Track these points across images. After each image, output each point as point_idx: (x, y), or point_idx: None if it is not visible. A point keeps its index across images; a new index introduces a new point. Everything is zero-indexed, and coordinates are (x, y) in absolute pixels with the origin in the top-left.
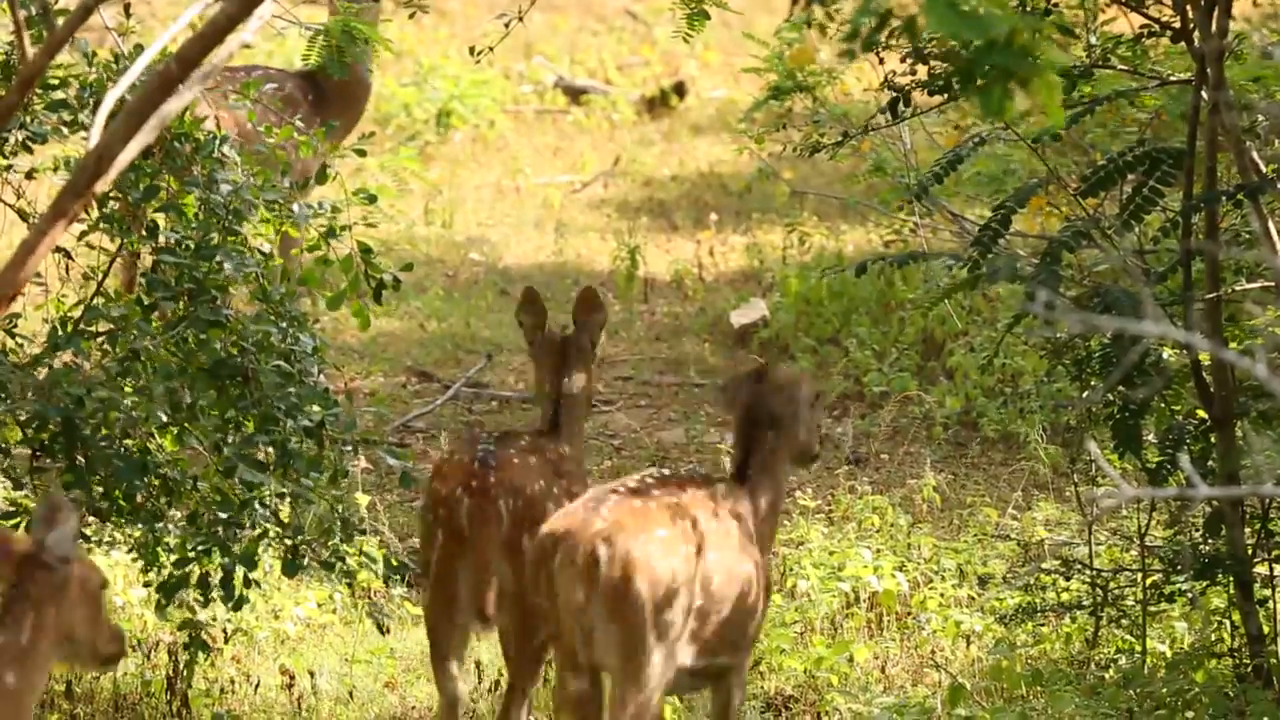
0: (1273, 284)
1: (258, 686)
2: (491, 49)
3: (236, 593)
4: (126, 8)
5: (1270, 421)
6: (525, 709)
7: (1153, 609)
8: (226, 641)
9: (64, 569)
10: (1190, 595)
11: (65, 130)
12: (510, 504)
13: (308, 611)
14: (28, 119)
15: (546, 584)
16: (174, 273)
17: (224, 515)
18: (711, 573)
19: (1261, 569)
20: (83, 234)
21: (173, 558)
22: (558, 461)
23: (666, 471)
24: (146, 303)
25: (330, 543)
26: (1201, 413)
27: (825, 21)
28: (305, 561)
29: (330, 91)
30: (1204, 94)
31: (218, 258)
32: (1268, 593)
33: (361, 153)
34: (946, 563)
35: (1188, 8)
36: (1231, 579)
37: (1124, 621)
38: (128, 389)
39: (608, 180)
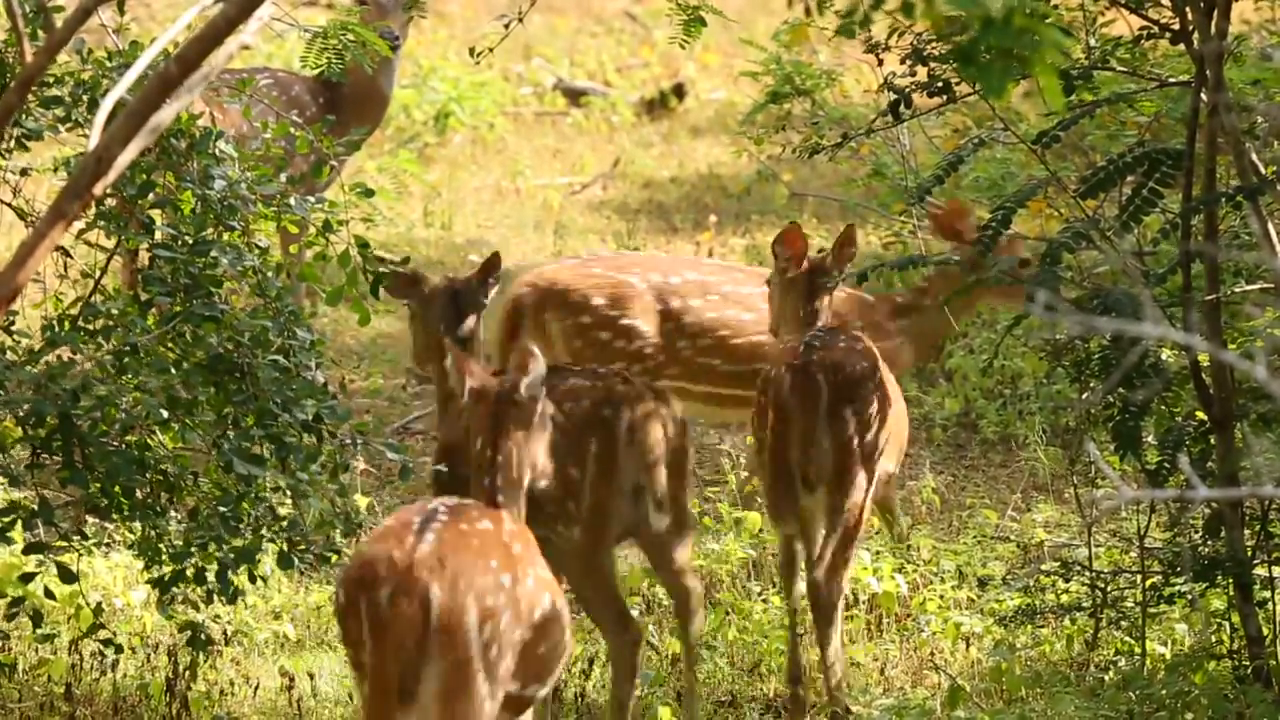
0: (1272, 286)
1: (257, 688)
2: (491, 51)
3: (232, 588)
4: (120, 5)
5: (1270, 423)
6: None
7: (1152, 611)
8: (227, 643)
9: (534, 406)
10: (1190, 597)
11: (61, 128)
12: None
13: (307, 613)
14: (23, 116)
15: None
16: (170, 269)
17: (223, 510)
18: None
19: (1261, 571)
20: (80, 232)
21: (175, 552)
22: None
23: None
24: (143, 299)
25: (329, 537)
26: (1201, 414)
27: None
28: (303, 554)
29: (346, 98)
30: (1203, 96)
31: (213, 253)
32: (1267, 594)
33: (355, 146)
34: (946, 564)
35: (1187, 9)
36: (1231, 581)
37: (1123, 623)
38: (128, 384)
39: (607, 182)
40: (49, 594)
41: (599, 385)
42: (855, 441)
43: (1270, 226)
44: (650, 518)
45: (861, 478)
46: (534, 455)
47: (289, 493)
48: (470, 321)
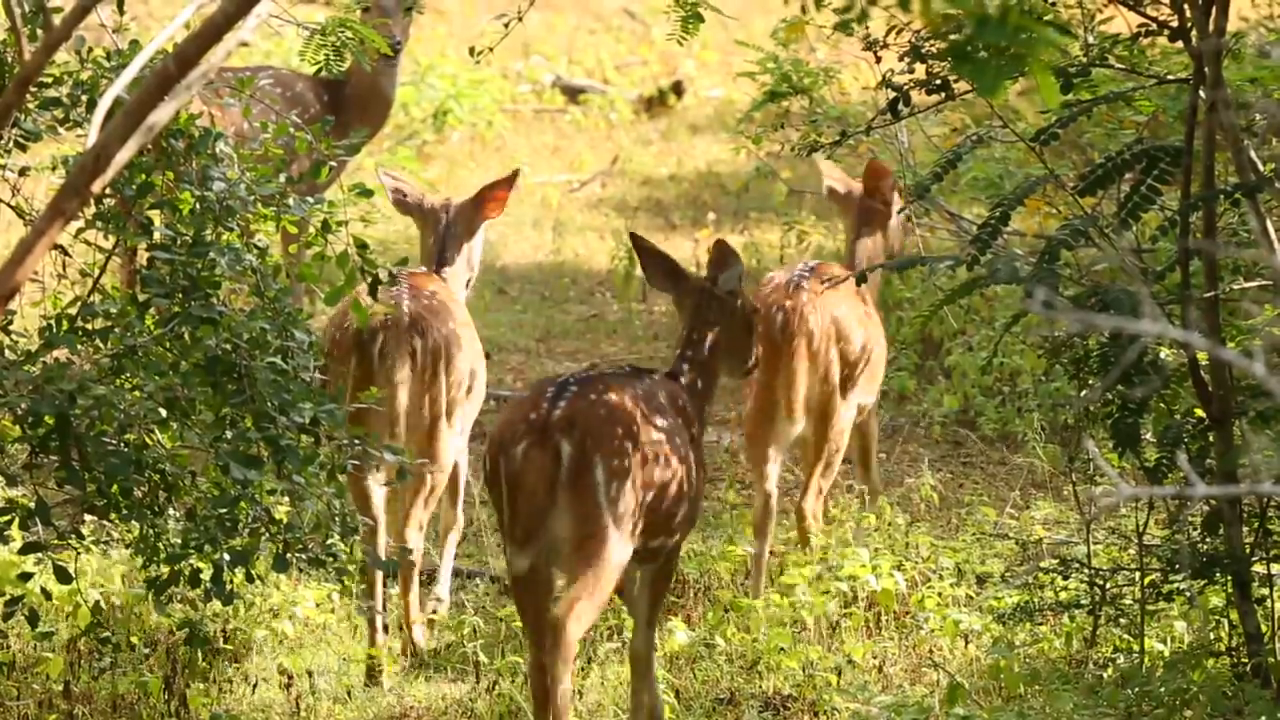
0: (1271, 283)
1: (256, 686)
2: (490, 49)
3: (228, 589)
4: (120, 4)
5: (1268, 420)
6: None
7: (1151, 608)
8: (225, 641)
9: (731, 300)
10: (1188, 594)
11: (60, 129)
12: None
13: (306, 611)
14: (22, 117)
15: None
16: (168, 270)
17: (220, 511)
18: None
19: (1259, 568)
20: (79, 231)
21: (172, 553)
22: None
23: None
24: (141, 299)
25: (327, 540)
26: (1199, 412)
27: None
28: (299, 556)
29: (349, 98)
30: (1202, 93)
31: (211, 255)
32: (1265, 591)
33: (356, 149)
34: (944, 562)
35: (1185, 6)
36: (1229, 578)
37: (1122, 620)
38: (125, 384)
39: (605, 179)
40: (46, 594)
41: None
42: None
43: (1269, 224)
44: None
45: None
46: (731, 344)
47: (286, 495)
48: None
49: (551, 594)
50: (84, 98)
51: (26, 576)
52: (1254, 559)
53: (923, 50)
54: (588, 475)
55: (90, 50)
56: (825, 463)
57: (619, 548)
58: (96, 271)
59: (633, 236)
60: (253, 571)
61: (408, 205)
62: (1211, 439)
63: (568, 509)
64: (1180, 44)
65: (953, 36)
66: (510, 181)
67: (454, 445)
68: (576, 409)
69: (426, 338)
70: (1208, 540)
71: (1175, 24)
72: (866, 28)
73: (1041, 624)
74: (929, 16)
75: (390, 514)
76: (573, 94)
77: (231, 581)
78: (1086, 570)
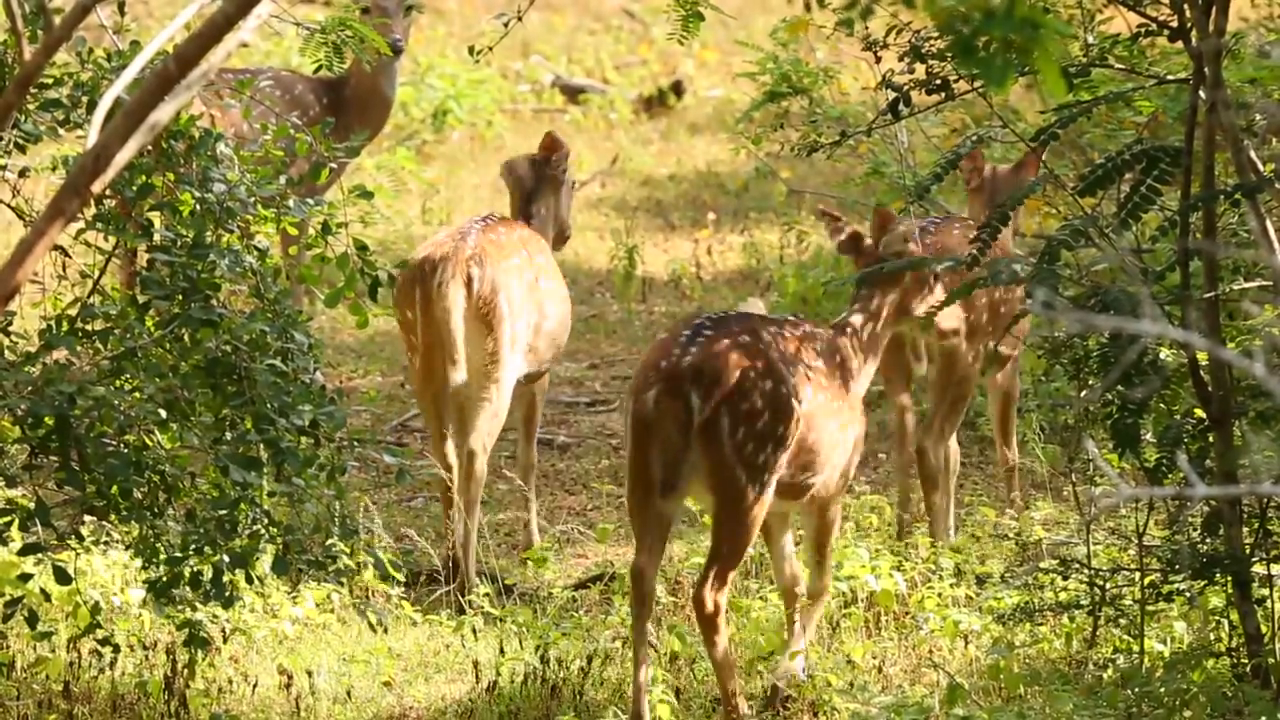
0: (1270, 283)
1: (256, 686)
2: (490, 49)
3: (228, 591)
4: (121, 6)
5: (1268, 421)
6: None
7: (1151, 608)
8: (225, 641)
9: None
10: (1188, 595)
11: (60, 129)
12: None
13: (306, 611)
14: (22, 118)
15: None
16: (168, 271)
17: (219, 512)
18: None
19: (1259, 568)
20: (79, 232)
21: (172, 555)
22: None
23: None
24: (141, 301)
25: (327, 542)
26: (1199, 412)
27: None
28: (299, 558)
29: (349, 100)
30: (1202, 93)
31: (211, 256)
32: (1265, 592)
33: (355, 151)
34: (944, 562)
35: (1185, 6)
36: (1229, 578)
37: (1122, 621)
38: (125, 386)
39: (605, 179)
40: (46, 594)
41: None
42: None
43: (1268, 224)
44: None
45: None
46: (899, 304)
47: (285, 497)
48: None
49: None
50: (84, 98)
51: (26, 577)
52: (1254, 559)
53: (923, 50)
54: (717, 423)
55: (90, 51)
56: (950, 405)
57: (753, 491)
58: (96, 273)
59: (825, 213)
60: (252, 573)
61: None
62: (1211, 439)
63: (702, 457)
64: (1180, 44)
65: (959, 29)
66: (555, 144)
67: (514, 375)
68: (706, 356)
69: (484, 267)
70: (1208, 541)
71: (1175, 24)
72: (866, 27)
73: (1041, 624)
74: (934, 12)
75: (459, 438)
76: (572, 94)
77: (231, 583)
78: (1086, 571)
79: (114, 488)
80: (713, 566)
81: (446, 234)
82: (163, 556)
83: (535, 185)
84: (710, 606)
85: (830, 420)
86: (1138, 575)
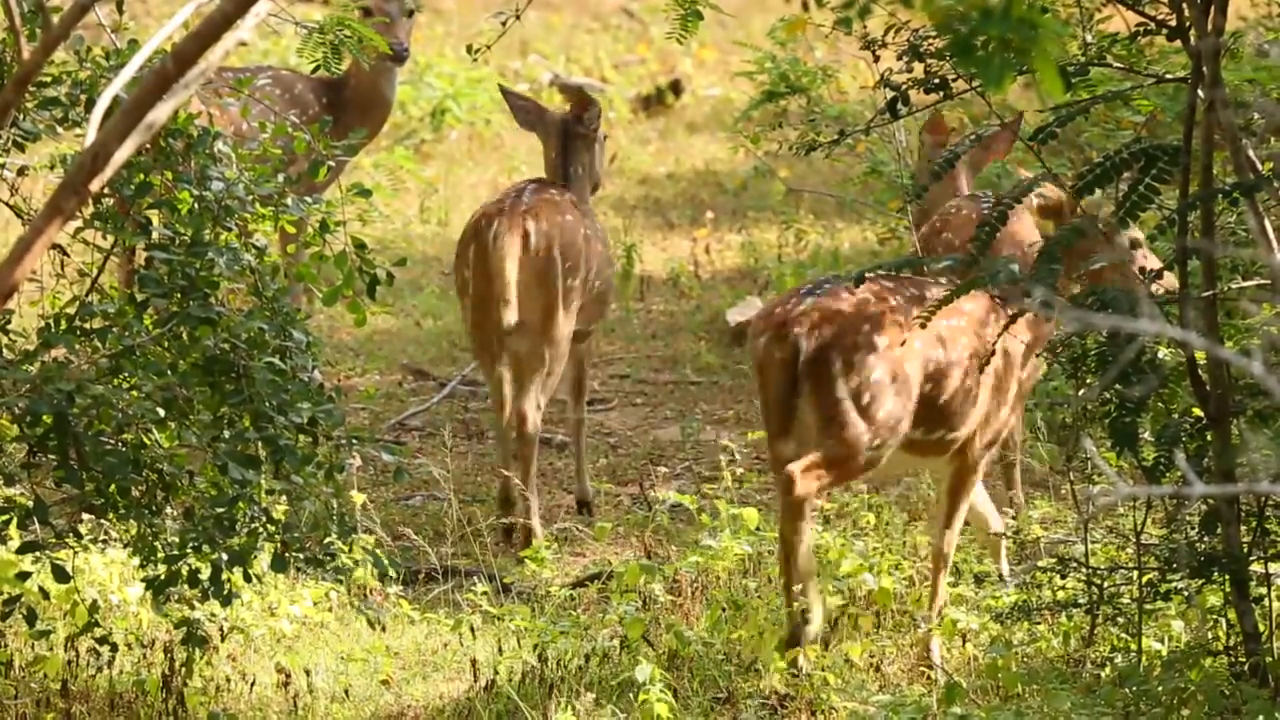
0: (1269, 282)
1: (254, 685)
2: (488, 47)
3: (226, 589)
4: (119, 4)
5: (1266, 419)
6: None
7: (1149, 607)
8: (223, 640)
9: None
10: (1186, 593)
11: (58, 128)
12: None
13: (304, 610)
14: (20, 116)
15: None
16: (166, 270)
17: (218, 510)
18: None
19: (1257, 567)
20: (77, 230)
21: (170, 553)
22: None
23: None
24: (139, 299)
25: (324, 540)
26: (1197, 411)
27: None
28: (297, 556)
29: (348, 100)
30: (1200, 92)
31: (209, 254)
32: (1263, 590)
33: (354, 150)
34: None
35: (1184, 6)
36: (1227, 577)
37: (1120, 620)
38: (124, 384)
39: (604, 178)
40: (44, 593)
41: None
42: None
43: (1267, 223)
44: None
45: None
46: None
47: (284, 494)
48: None
49: None
50: (82, 97)
51: (24, 575)
52: (1252, 558)
53: (921, 49)
54: (825, 368)
55: (89, 49)
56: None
57: (864, 435)
58: (95, 271)
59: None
60: (250, 571)
61: (530, 120)
62: (1209, 438)
63: (809, 401)
64: (1179, 43)
65: (957, 28)
66: (586, 102)
67: (568, 333)
68: (818, 305)
69: (540, 222)
70: (1205, 539)
71: (1174, 23)
72: (865, 26)
73: (1039, 623)
74: (932, 11)
75: (515, 396)
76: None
77: (230, 581)
78: (1084, 569)
79: (112, 486)
80: (797, 482)
81: (501, 193)
82: (161, 555)
83: (568, 145)
84: (800, 489)
85: (978, 372)
86: (1136, 574)
